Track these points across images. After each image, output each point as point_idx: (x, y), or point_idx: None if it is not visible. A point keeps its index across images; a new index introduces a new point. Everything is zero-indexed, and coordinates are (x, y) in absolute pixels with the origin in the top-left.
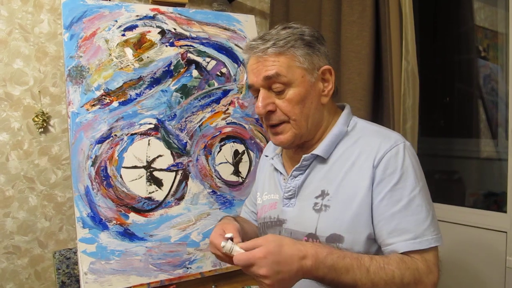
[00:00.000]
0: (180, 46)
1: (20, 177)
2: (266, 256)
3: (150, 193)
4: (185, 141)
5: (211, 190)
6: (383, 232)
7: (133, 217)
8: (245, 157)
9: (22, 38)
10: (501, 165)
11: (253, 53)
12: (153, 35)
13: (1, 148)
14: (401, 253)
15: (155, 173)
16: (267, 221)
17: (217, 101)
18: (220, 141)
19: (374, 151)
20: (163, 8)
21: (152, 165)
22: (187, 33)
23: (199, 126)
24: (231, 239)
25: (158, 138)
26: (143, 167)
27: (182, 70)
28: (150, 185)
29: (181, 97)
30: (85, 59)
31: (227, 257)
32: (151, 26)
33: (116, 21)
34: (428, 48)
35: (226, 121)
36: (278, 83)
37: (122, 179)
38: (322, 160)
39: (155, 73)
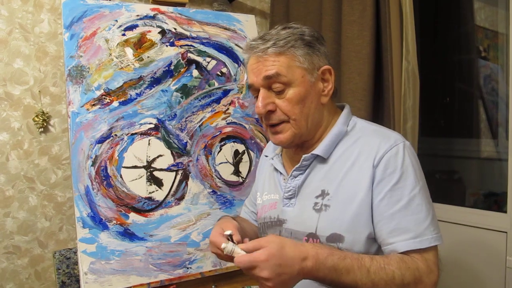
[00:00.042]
0: (181, 46)
1: (20, 177)
2: (269, 259)
3: (150, 193)
4: (185, 141)
5: (211, 190)
6: (383, 231)
7: (133, 217)
8: (245, 157)
9: (22, 37)
10: (502, 165)
11: (253, 53)
12: (154, 35)
13: (1, 148)
14: (401, 253)
15: (155, 173)
16: (267, 221)
17: (218, 101)
18: (220, 141)
19: (374, 150)
20: (163, 8)
21: (152, 165)
22: (188, 33)
23: (199, 126)
24: (231, 236)
25: (158, 138)
26: (143, 167)
27: (182, 70)
28: (150, 185)
29: (182, 97)
30: (85, 59)
31: (228, 257)
32: (151, 26)
33: (117, 20)
34: (429, 48)
35: (226, 121)
36: (278, 83)
37: (122, 179)
38: (322, 160)
39: (155, 73)
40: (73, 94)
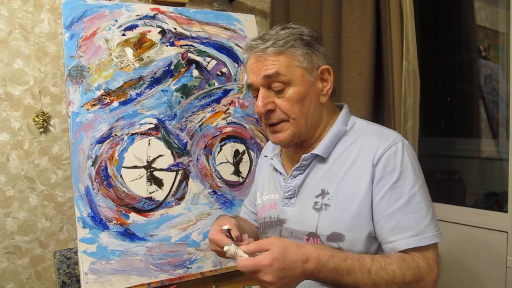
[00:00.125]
0: (181, 46)
1: (20, 177)
2: (272, 263)
3: (150, 193)
4: (185, 141)
5: (211, 190)
6: (383, 230)
7: (133, 217)
8: (245, 157)
9: (22, 38)
10: (502, 165)
11: (252, 52)
12: (154, 34)
13: (2, 148)
14: (402, 251)
15: (156, 173)
16: (267, 221)
17: (218, 100)
18: (221, 141)
19: (373, 150)
20: (163, 8)
21: (153, 165)
22: (188, 33)
23: (200, 126)
24: (229, 231)
25: (158, 138)
26: (144, 167)
27: (182, 69)
28: (151, 185)
29: (182, 97)
30: (85, 59)
31: None
32: (151, 25)
33: (117, 20)
34: (429, 47)
35: (226, 121)
36: (278, 82)
37: (123, 179)
38: (322, 159)
39: (155, 72)
40: (73, 94)
